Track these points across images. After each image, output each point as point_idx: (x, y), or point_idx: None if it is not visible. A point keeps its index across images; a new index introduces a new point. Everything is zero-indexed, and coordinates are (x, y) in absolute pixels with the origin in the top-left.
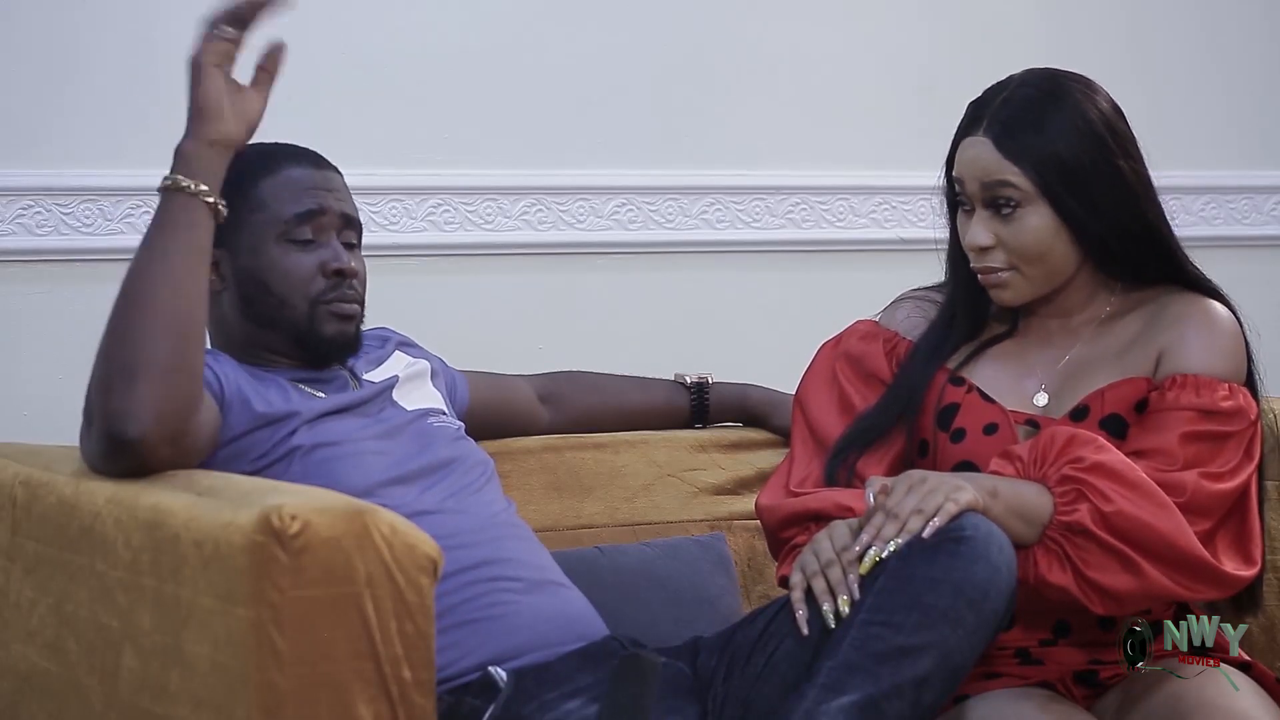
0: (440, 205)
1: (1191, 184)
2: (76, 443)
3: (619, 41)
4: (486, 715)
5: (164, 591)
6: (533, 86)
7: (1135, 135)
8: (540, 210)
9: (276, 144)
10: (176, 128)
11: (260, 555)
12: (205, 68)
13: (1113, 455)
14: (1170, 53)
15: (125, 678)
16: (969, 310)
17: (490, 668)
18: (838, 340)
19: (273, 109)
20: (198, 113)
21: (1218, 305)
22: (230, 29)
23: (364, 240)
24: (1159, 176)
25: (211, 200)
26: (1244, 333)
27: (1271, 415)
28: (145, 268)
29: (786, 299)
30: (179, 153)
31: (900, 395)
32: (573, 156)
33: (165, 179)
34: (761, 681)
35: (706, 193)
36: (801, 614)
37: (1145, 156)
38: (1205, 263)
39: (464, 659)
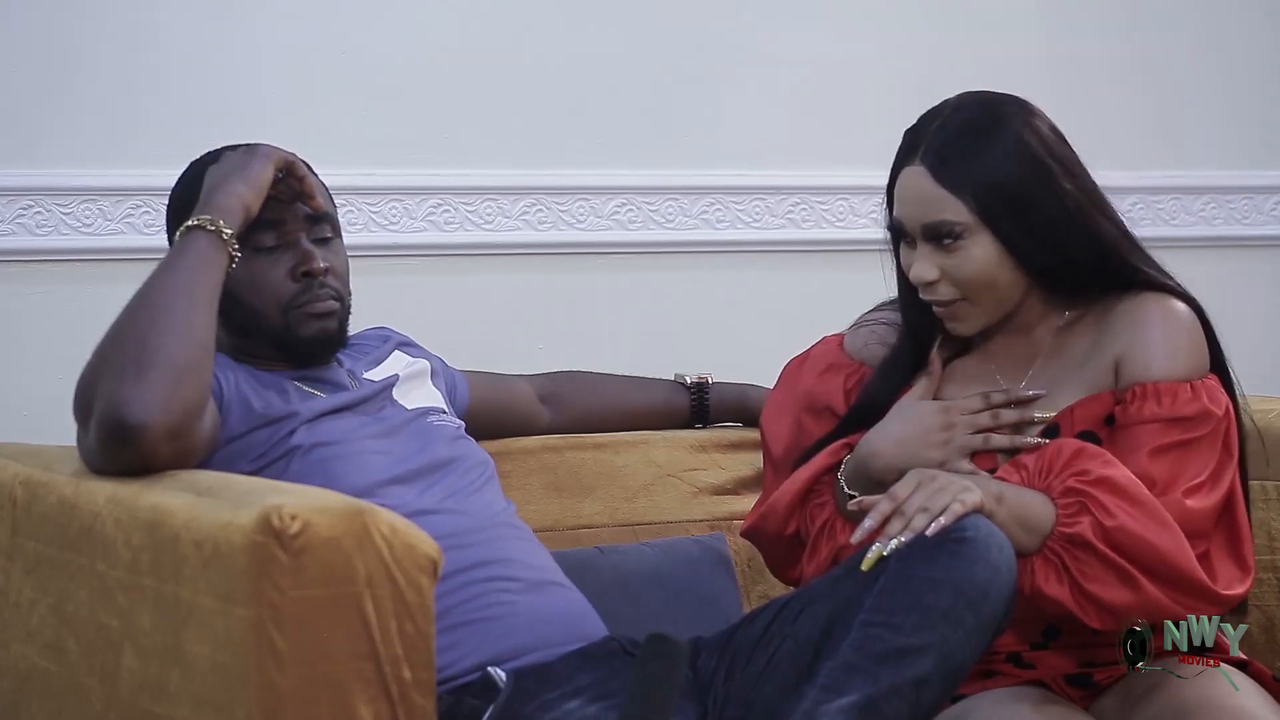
0: (440, 205)
1: (1191, 184)
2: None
3: (619, 41)
4: (486, 715)
5: (164, 591)
6: (533, 87)
7: (1076, 154)
8: (540, 210)
9: (241, 146)
10: (176, 128)
11: (260, 555)
12: (271, 159)
13: (1119, 470)
14: (1170, 53)
15: (125, 678)
16: (916, 345)
17: (490, 668)
18: (800, 362)
19: (273, 109)
20: (244, 180)
21: (1169, 300)
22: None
23: (365, 240)
24: (1159, 176)
25: (228, 237)
26: (1204, 321)
27: (1271, 415)
28: (163, 281)
29: (786, 299)
30: (211, 204)
31: (854, 419)
32: (573, 156)
33: (193, 220)
34: (762, 682)
35: (706, 193)
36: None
37: (1091, 169)
38: (1205, 263)
39: (464, 659)
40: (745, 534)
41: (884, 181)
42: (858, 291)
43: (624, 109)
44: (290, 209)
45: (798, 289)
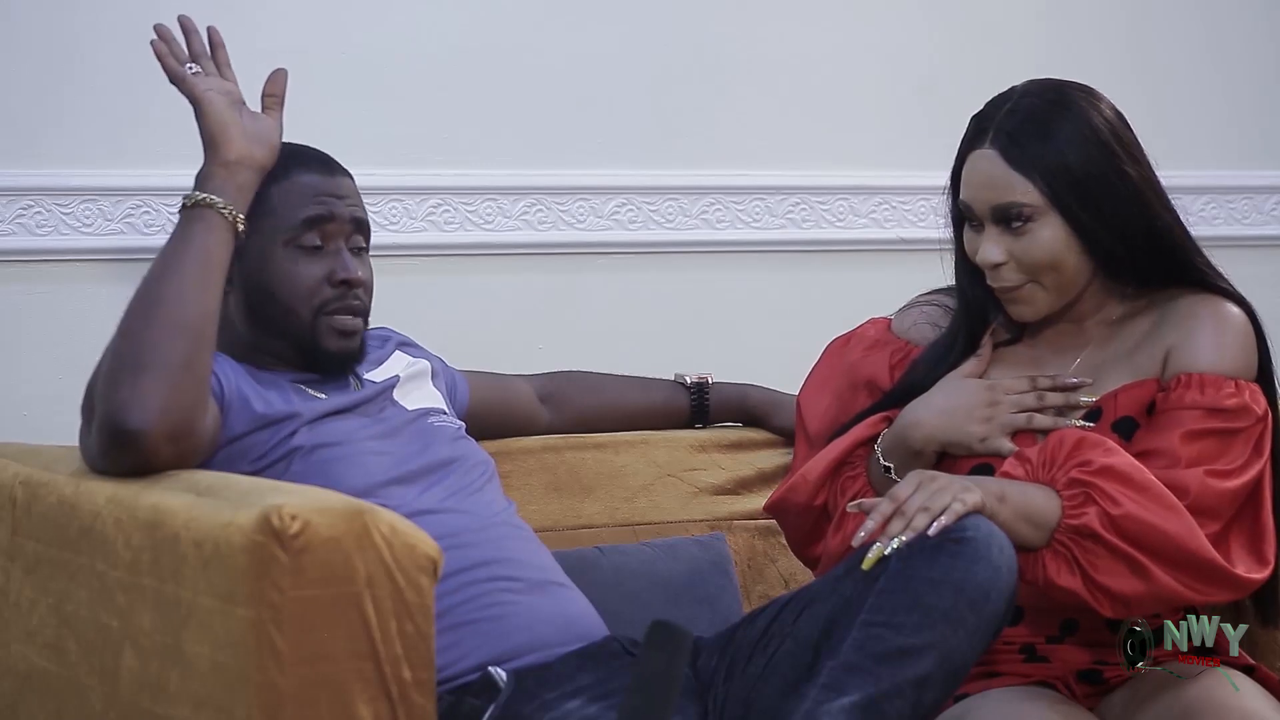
0: (440, 205)
1: (1191, 184)
2: (76, 443)
3: (619, 42)
4: (486, 715)
5: (164, 591)
6: (533, 86)
7: (1140, 141)
8: (540, 210)
9: (289, 145)
10: (176, 128)
11: (260, 555)
12: (201, 100)
13: (1121, 458)
14: (1170, 53)
15: (125, 678)
16: (970, 332)
17: (490, 668)
18: (846, 340)
19: None
20: (208, 140)
21: (1227, 303)
22: (196, 65)
23: None
24: (1159, 177)
25: (227, 212)
26: (1259, 331)
27: None
28: (160, 274)
29: (786, 299)
30: (198, 177)
31: (898, 395)
32: (573, 156)
33: (184, 199)
34: (762, 682)
35: (706, 193)
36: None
37: (1151, 162)
38: None
39: (464, 659)
40: (769, 508)
41: (883, 182)
42: (857, 291)
43: (624, 109)
44: (340, 204)
45: (797, 289)
